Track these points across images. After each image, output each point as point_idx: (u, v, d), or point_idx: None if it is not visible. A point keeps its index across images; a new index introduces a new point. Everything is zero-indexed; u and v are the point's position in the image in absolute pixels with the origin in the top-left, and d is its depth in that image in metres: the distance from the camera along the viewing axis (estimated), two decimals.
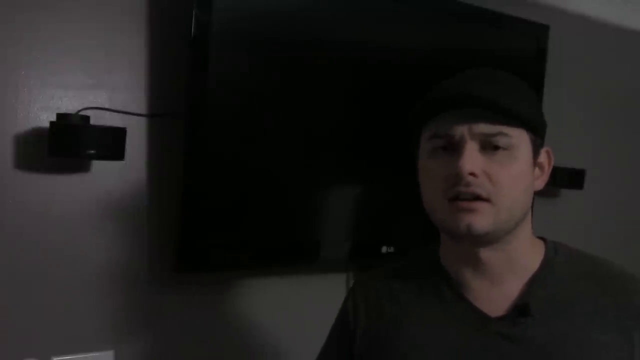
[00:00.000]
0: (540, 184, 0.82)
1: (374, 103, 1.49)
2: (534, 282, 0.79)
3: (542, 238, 0.85)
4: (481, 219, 0.74)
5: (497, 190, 0.74)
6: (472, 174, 0.73)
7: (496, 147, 0.75)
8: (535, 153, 0.79)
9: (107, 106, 1.24)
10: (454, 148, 0.76)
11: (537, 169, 0.81)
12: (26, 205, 1.18)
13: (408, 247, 1.48)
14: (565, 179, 1.86)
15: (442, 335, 0.80)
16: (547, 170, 0.82)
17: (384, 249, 1.52)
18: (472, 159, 0.73)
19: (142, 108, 1.29)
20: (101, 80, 1.25)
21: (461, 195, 0.74)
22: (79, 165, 1.23)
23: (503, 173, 0.75)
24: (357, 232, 1.50)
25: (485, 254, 0.79)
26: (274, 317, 1.48)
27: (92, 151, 1.14)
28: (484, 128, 0.74)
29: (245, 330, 1.45)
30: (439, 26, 1.59)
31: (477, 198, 0.74)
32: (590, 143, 2.03)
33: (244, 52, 1.30)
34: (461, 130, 0.75)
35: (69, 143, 1.13)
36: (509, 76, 0.81)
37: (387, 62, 1.50)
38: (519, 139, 0.76)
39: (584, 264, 0.82)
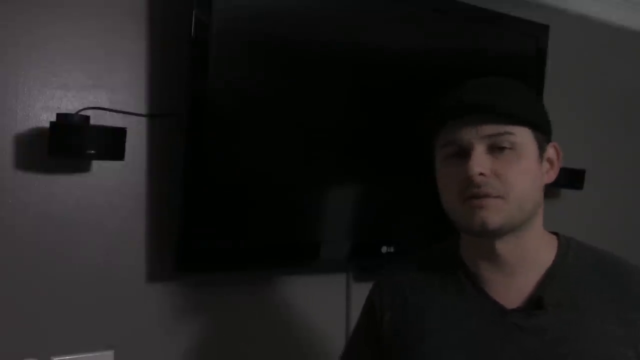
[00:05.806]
0: (550, 177, 0.88)
1: (374, 103, 1.49)
2: (548, 277, 0.85)
3: (555, 233, 0.91)
4: (493, 215, 0.80)
5: (507, 187, 0.80)
6: (481, 174, 0.79)
7: (502, 148, 0.81)
8: (541, 149, 0.85)
9: (107, 106, 1.24)
10: (464, 154, 0.82)
11: (546, 164, 0.87)
12: (26, 205, 1.19)
13: (408, 247, 1.50)
14: (565, 179, 1.85)
15: (462, 326, 0.86)
16: (557, 164, 0.89)
17: (384, 249, 1.52)
18: (480, 160, 0.80)
19: (142, 108, 1.29)
20: (101, 80, 1.25)
21: (474, 195, 0.80)
22: (79, 165, 1.23)
23: (511, 170, 0.81)
24: (357, 232, 1.50)
25: (501, 246, 0.85)
26: (274, 317, 1.48)
27: (92, 151, 1.14)
28: (488, 130, 0.81)
29: (245, 331, 1.45)
30: (438, 26, 1.59)
31: (488, 196, 0.80)
32: (590, 143, 2.03)
33: (244, 52, 1.30)
34: (468, 135, 0.81)
35: (69, 143, 1.13)
36: (510, 81, 0.87)
37: (386, 62, 1.50)
38: (522, 137, 0.82)
39: (593, 258, 0.87)
